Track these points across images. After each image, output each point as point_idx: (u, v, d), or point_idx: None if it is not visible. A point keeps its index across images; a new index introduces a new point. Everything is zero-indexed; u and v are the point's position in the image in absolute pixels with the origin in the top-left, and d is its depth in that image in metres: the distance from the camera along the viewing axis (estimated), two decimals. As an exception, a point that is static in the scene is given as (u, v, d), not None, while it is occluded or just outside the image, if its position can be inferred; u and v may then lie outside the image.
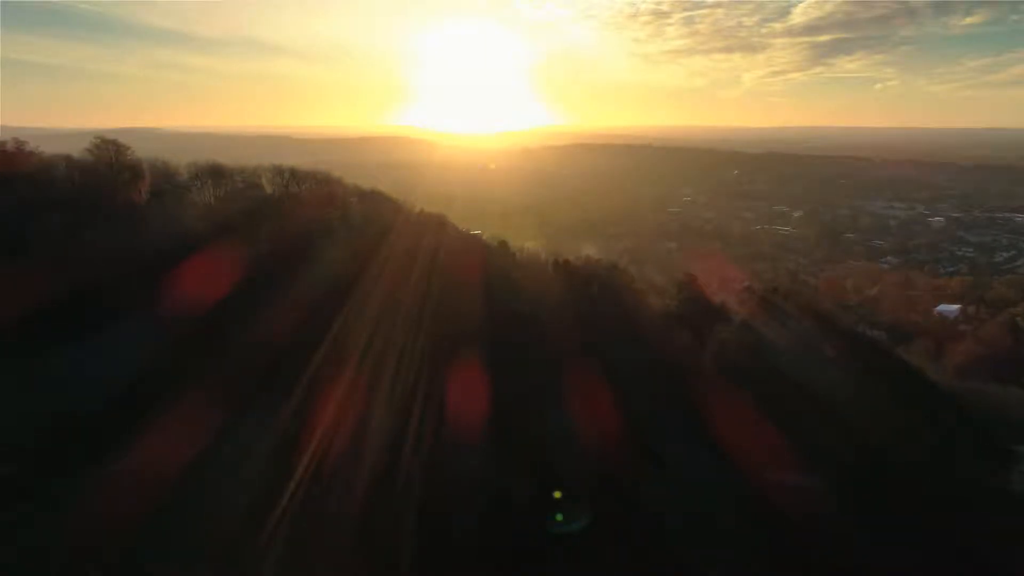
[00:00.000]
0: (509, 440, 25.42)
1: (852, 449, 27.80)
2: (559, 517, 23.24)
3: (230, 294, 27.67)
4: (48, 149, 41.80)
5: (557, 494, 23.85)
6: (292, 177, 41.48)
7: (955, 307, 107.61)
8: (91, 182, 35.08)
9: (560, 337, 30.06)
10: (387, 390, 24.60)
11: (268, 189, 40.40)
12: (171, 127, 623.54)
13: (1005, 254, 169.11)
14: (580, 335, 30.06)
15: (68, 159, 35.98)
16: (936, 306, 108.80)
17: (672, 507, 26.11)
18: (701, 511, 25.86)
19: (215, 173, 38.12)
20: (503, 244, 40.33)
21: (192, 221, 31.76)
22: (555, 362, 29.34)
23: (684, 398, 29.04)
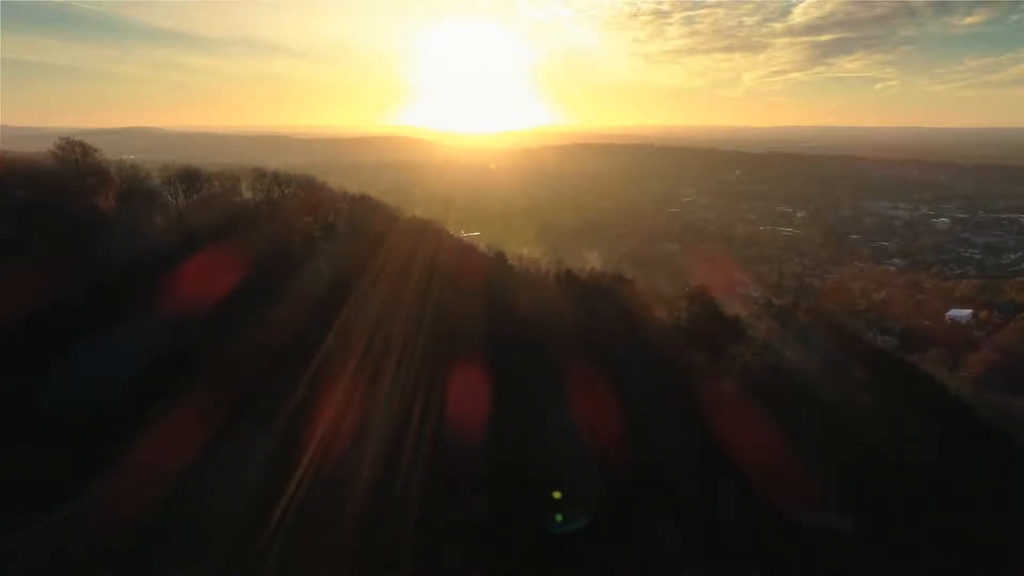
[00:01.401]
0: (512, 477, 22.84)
1: (890, 484, 25.04)
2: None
3: (194, 316, 24.81)
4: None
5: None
6: (275, 181, 38.49)
7: (967, 312, 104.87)
8: (53, 187, 32.11)
9: (565, 359, 27.25)
10: (373, 431, 21.91)
11: (248, 194, 37.46)
12: (171, 127, 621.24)
13: (1012, 255, 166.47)
14: (586, 358, 27.24)
15: (28, 161, 33.04)
16: (947, 311, 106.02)
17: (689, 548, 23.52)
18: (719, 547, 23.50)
19: (189, 177, 35.12)
20: (501, 256, 37.31)
21: (158, 232, 28.87)
22: (560, 387, 26.53)
23: (702, 426, 26.22)
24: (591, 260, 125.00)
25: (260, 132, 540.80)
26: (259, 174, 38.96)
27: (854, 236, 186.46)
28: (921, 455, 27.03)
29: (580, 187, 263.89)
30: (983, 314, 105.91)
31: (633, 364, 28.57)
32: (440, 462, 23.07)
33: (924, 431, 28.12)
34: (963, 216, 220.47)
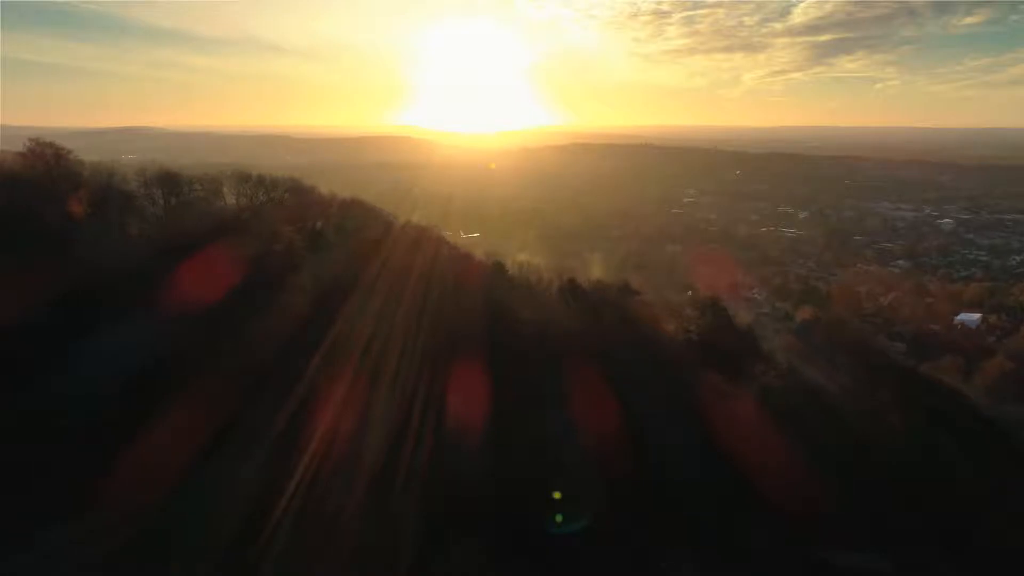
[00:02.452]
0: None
1: (927, 517, 22.85)
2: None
3: (166, 334, 22.51)
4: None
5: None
6: (259, 185, 36.14)
7: (976, 316, 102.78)
8: (18, 192, 29.75)
9: (571, 383, 25.02)
10: (362, 467, 19.73)
11: (231, 199, 35.12)
12: (171, 126, 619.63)
13: (1018, 257, 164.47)
14: (593, 379, 24.99)
15: (-7, 164, 30.77)
16: (956, 315, 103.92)
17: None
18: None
19: (168, 181, 32.80)
20: (501, 267, 34.88)
21: (131, 241, 26.55)
22: (565, 412, 24.30)
23: (720, 452, 23.99)
24: (594, 266, 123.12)
25: (260, 132, 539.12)
26: (243, 177, 36.62)
27: (858, 237, 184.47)
28: (959, 485, 24.86)
29: (580, 187, 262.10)
30: (993, 318, 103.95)
31: (643, 384, 26.33)
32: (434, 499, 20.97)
33: (960, 458, 25.93)
34: (967, 217, 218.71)
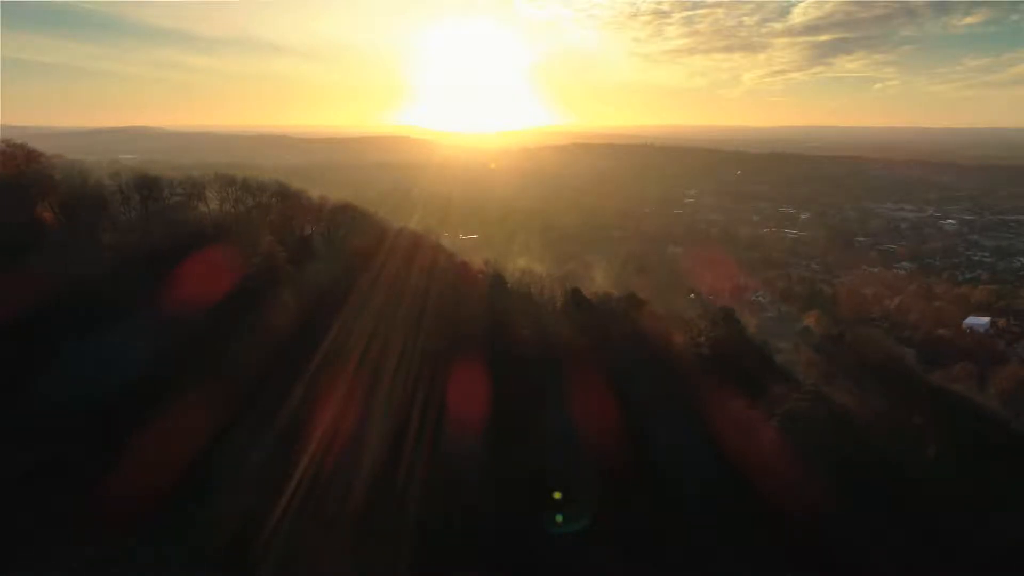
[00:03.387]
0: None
1: (976, 559, 20.73)
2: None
3: (134, 353, 20.37)
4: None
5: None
6: (245, 189, 33.83)
7: (985, 320, 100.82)
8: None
9: (576, 406, 22.92)
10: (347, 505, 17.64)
11: (213, 204, 32.83)
12: (171, 126, 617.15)
13: (1023, 259, 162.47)
14: (601, 402, 22.88)
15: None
16: (964, 319, 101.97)
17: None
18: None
19: (145, 184, 30.52)
20: (500, 280, 32.53)
21: (102, 250, 24.35)
22: (571, 440, 22.20)
23: (741, 486, 21.88)
24: (597, 271, 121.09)
25: (260, 132, 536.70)
26: (227, 181, 34.30)
27: (861, 239, 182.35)
28: (1005, 520, 22.74)
29: (580, 187, 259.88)
30: (1001, 322, 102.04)
31: (658, 412, 24.23)
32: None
33: (1005, 490, 23.78)
34: (970, 218, 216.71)
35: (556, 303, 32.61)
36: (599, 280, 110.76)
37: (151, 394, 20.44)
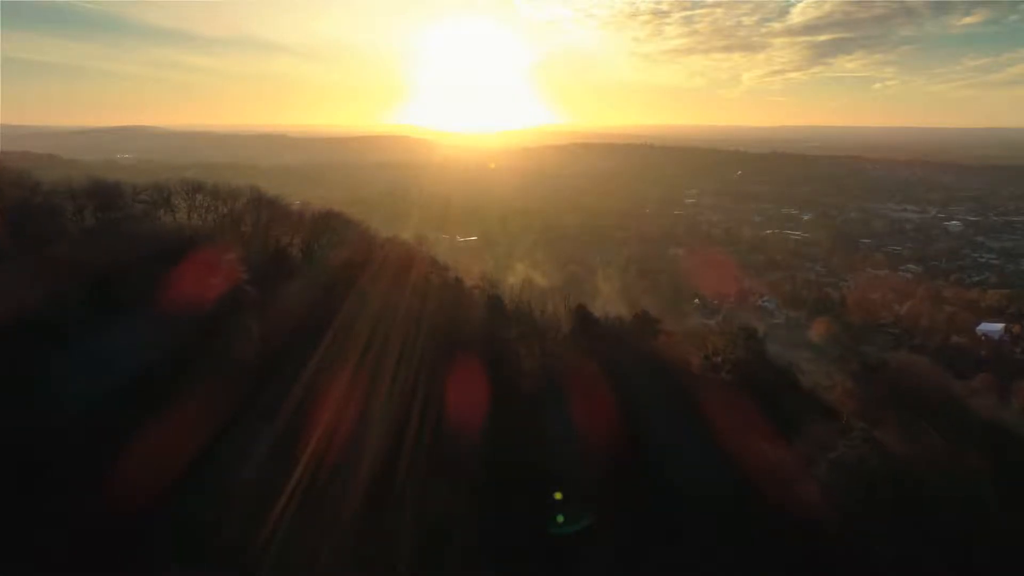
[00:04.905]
0: None
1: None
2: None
3: (70, 394, 17.16)
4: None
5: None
6: (214, 197, 30.42)
7: (998, 326, 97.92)
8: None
9: (587, 462, 19.78)
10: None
11: (177, 215, 29.41)
12: (170, 126, 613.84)
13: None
14: (615, 452, 19.74)
15: None
16: (977, 324, 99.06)
17: None
18: None
19: (100, 194, 27.07)
20: (498, 303, 29.03)
21: (41, 270, 21.11)
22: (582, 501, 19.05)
23: (781, 558, 18.65)
24: (599, 275, 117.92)
25: (259, 131, 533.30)
26: (192, 188, 30.89)
27: (865, 240, 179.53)
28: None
29: (580, 187, 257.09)
30: (1016, 328, 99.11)
31: (677, 447, 21.10)
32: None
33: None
34: (974, 219, 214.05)
35: (561, 326, 29.25)
36: (601, 283, 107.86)
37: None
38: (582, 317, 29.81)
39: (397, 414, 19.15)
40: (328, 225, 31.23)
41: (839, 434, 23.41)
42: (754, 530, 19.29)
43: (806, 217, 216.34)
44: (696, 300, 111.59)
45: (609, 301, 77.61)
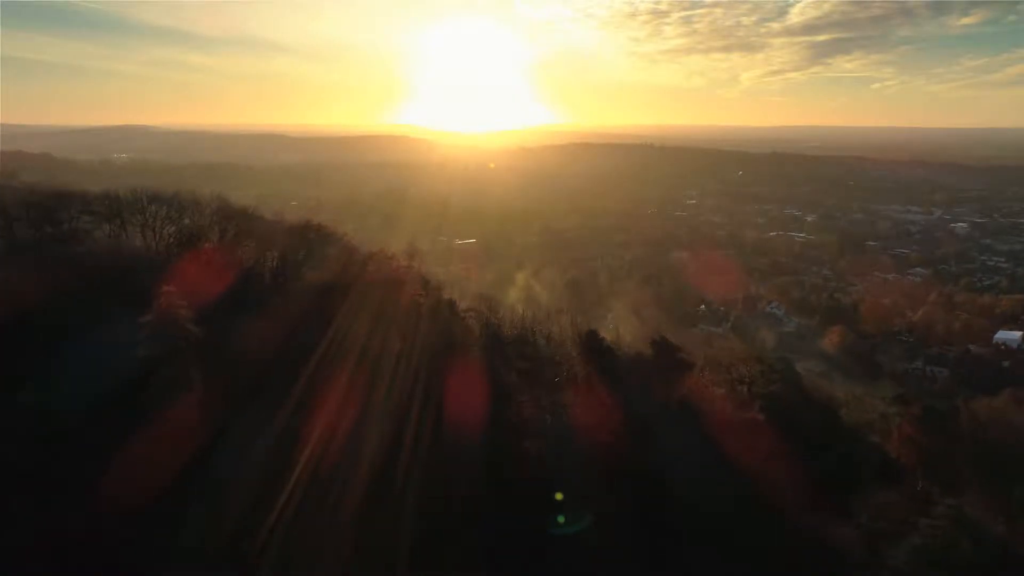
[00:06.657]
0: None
1: None
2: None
3: None
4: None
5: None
6: (177, 211, 26.38)
7: (1017, 334, 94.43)
8: None
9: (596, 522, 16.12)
10: None
11: (129, 229, 25.53)
12: (170, 125, 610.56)
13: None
14: (628, 508, 16.07)
15: None
16: (994, 332, 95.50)
17: None
18: None
19: (48, 205, 23.21)
20: (497, 336, 25.10)
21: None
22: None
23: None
24: (601, 276, 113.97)
25: (259, 131, 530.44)
26: (148, 198, 26.87)
27: (871, 243, 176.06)
28: None
29: (580, 187, 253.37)
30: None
31: (721, 532, 17.34)
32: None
33: None
34: (980, 221, 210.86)
35: (569, 358, 25.32)
36: (604, 291, 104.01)
37: None
38: (593, 348, 25.87)
39: (367, 489, 15.48)
40: (305, 239, 27.09)
41: (913, 505, 19.36)
42: None
43: (809, 218, 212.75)
44: (702, 306, 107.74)
45: (615, 314, 73.87)
